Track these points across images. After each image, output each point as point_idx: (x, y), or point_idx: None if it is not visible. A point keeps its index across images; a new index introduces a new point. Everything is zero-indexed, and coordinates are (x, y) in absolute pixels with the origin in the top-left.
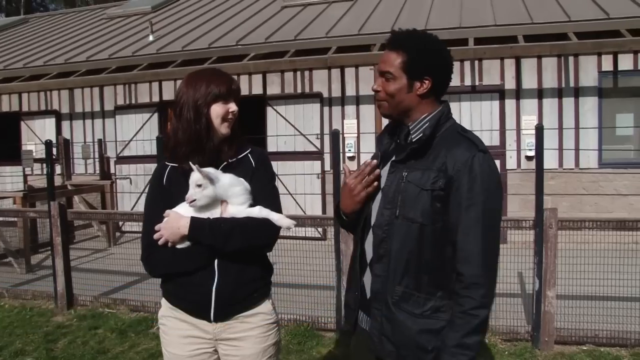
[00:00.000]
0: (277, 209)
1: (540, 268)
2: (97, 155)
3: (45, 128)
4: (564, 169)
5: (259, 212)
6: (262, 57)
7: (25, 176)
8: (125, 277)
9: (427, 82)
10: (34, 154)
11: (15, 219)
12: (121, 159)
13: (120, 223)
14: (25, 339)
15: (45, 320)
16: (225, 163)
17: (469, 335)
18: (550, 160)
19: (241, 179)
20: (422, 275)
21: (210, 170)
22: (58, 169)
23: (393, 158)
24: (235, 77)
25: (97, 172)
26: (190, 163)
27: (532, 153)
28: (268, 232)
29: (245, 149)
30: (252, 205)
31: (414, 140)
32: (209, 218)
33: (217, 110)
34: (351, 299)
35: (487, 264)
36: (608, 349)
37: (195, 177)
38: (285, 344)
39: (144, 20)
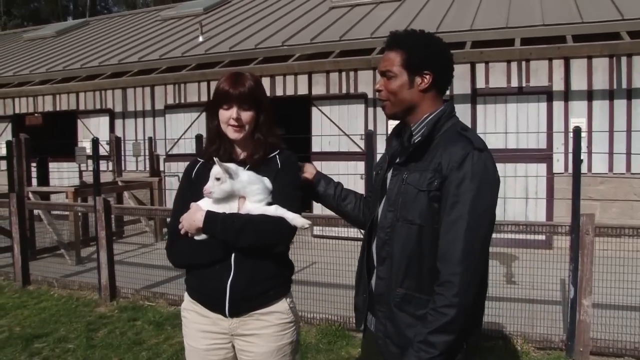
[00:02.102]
0: (296, 209)
1: (575, 275)
2: (147, 153)
3: (100, 126)
4: (614, 174)
5: (275, 210)
6: (308, 58)
7: (80, 172)
8: (167, 272)
9: (427, 76)
10: (87, 150)
11: (67, 212)
12: (170, 157)
13: (168, 219)
14: (69, 327)
15: (89, 310)
16: (248, 165)
17: (435, 333)
18: (599, 164)
19: (264, 177)
20: (423, 276)
21: (231, 165)
22: (110, 165)
23: (397, 160)
24: (281, 77)
25: (147, 169)
26: (215, 158)
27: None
28: (281, 230)
29: (274, 150)
30: (270, 204)
31: (415, 141)
32: (224, 213)
33: (222, 115)
34: (360, 301)
35: (464, 264)
36: None
37: (215, 170)
38: (315, 343)
39: (195, 21)
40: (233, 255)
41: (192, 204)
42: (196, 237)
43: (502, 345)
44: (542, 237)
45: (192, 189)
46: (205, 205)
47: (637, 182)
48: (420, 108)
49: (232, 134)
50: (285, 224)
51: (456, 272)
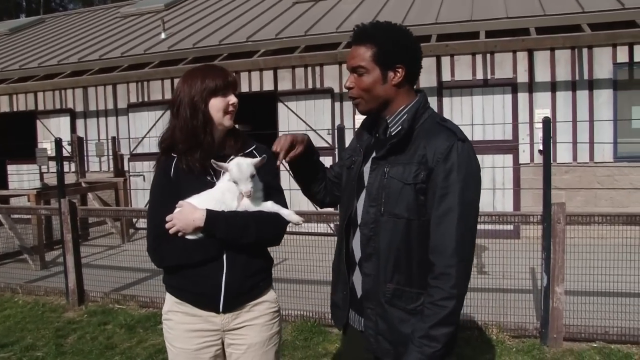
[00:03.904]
0: (284, 203)
1: (548, 264)
2: (111, 153)
3: (60, 126)
4: (578, 163)
5: (271, 206)
6: (273, 54)
7: (41, 174)
8: (136, 274)
9: (400, 70)
10: (48, 152)
11: (29, 216)
12: (134, 156)
13: (134, 220)
14: (37, 334)
15: (56, 316)
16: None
17: (436, 326)
18: (564, 154)
19: None
20: (412, 270)
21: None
22: (72, 166)
23: (374, 154)
24: (246, 73)
25: (111, 169)
26: (260, 155)
27: None
28: (278, 226)
29: (250, 145)
30: (263, 200)
31: (392, 134)
32: (223, 211)
33: (216, 104)
34: (339, 299)
35: (459, 255)
36: (618, 346)
37: (249, 169)
38: (291, 340)
39: (156, 18)
40: (225, 252)
41: (183, 203)
42: (190, 237)
43: (477, 335)
44: (510, 227)
45: (172, 187)
46: (197, 203)
47: (601, 171)
48: (395, 102)
49: (228, 121)
50: (281, 220)
51: (451, 264)
